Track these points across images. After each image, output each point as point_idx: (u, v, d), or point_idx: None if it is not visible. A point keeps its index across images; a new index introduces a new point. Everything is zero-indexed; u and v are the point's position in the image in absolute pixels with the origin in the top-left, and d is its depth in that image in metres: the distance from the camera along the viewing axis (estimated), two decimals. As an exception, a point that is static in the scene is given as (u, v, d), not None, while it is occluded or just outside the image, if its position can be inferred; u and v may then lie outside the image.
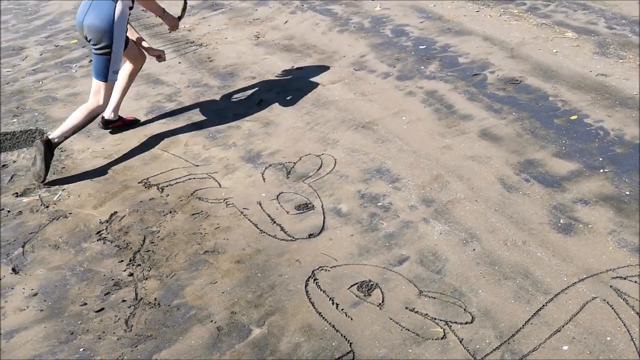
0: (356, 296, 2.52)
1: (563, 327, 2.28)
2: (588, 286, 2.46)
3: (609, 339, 2.22)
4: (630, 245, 2.66)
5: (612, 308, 2.34)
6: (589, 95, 3.89)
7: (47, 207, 3.34)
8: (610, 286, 2.45)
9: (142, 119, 4.21)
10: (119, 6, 3.52)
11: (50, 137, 3.60)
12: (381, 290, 2.55)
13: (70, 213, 3.27)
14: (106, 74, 3.62)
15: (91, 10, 3.54)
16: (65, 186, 3.52)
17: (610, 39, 4.65)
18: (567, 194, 3.03)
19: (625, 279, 2.48)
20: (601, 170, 3.18)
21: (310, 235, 2.92)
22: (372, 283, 2.59)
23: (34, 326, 2.51)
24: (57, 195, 3.44)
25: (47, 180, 3.53)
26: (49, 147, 3.54)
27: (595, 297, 2.40)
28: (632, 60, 4.29)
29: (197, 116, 4.19)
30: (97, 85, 3.65)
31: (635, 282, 2.46)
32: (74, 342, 2.40)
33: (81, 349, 2.36)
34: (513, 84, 4.15)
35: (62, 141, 3.67)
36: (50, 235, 3.11)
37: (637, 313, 2.31)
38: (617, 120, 3.59)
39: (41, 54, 5.68)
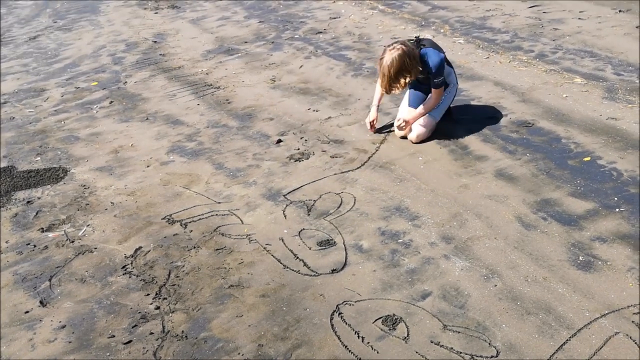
0: (381, 330, 2.56)
1: (588, 361, 2.32)
2: (610, 321, 2.50)
3: (634, 373, 2.24)
4: (649, 282, 2.70)
5: (636, 343, 2.37)
6: (600, 137, 4.00)
7: (73, 242, 3.42)
8: (632, 321, 2.49)
9: (164, 158, 4.32)
10: None
11: None
12: (406, 324, 2.58)
13: (96, 248, 3.34)
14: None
15: None
16: (90, 222, 3.60)
17: (618, 85, 4.78)
18: (584, 232, 3.09)
19: (646, 314, 2.52)
20: (617, 210, 3.25)
21: (334, 271, 2.98)
22: (396, 317, 2.63)
23: (62, 357, 2.55)
24: (82, 231, 3.51)
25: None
26: None
27: (618, 332, 2.44)
28: (640, 104, 4.42)
29: (217, 155, 4.30)
30: None
31: (657, 318, 2.49)
32: (104, 373, 2.43)
33: (112, 380, 2.40)
34: (526, 126, 4.26)
35: None
36: (77, 269, 3.17)
37: (660, 348, 2.34)
38: (630, 162, 3.68)
39: (62, 95, 5.86)
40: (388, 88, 4.07)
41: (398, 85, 4.04)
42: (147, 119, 5.06)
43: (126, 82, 6.05)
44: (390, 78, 3.99)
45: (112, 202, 3.79)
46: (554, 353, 2.37)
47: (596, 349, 2.37)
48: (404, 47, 3.95)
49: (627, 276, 2.76)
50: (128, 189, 3.95)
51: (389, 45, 4.03)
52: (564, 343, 2.41)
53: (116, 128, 4.94)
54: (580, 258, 2.91)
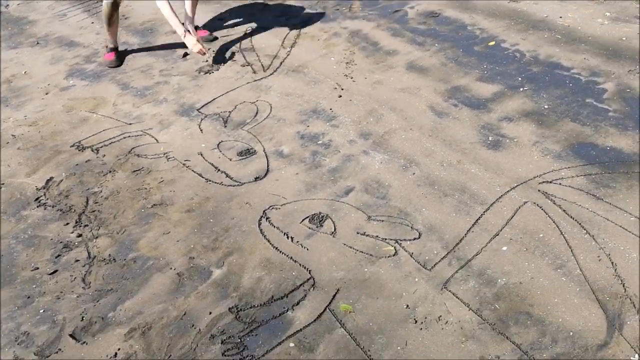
0: (309, 228, 2.62)
1: (500, 231, 2.49)
2: (519, 193, 2.68)
3: (541, 235, 2.44)
4: (552, 153, 2.89)
5: (542, 209, 2.57)
6: (503, 21, 4.09)
7: (-24, 181, 3.20)
8: (539, 190, 2.68)
9: (63, 83, 4.05)
10: None
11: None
12: (332, 220, 2.65)
13: (3, 184, 3.15)
14: None
15: None
16: (-8, 158, 3.37)
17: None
18: (492, 114, 3.23)
19: (550, 182, 2.71)
20: (521, 89, 3.40)
21: (257, 179, 2.97)
22: (322, 215, 2.69)
23: (-15, 297, 2.45)
24: (-16, 169, 3.29)
25: None
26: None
27: (526, 202, 2.62)
28: (539, -14, 4.53)
29: (121, 75, 4.07)
30: None
31: (560, 184, 2.69)
32: (32, 305, 2.37)
33: (41, 310, 2.34)
34: (433, 17, 4.28)
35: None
36: (-15, 208, 2.99)
37: (563, 210, 2.55)
38: (531, 42, 3.81)
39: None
40: None
41: None
42: (37, 43, 4.67)
43: (7, 5, 5.50)
44: None
45: (13, 135, 3.54)
46: (470, 227, 2.53)
47: (508, 219, 2.55)
48: None
49: (532, 150, 2.93)
50: (28, 119, 3.70)
51: None
52: (479, 217, 2.57)
53: (5, 56, 4.54)
54: (490, 138, 3.05)
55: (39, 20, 5.09)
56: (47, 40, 4.69)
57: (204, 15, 4.75)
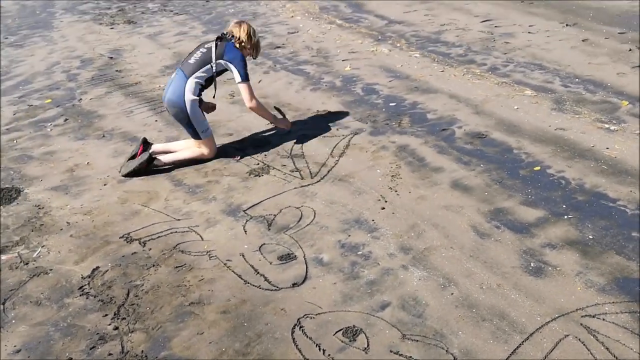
0: (342, 342, 2.60)
1: (540, 364, 2.40)
2: (560, 325, 2.60)
3: (583, 374, 2.34)
4: (596, 286, 2.82)
5: (584, 344, 2.47)
6: (549, 147, 4.15)
7: (27, 264, 3.35)
8: (581, 324, 2.59)
9: (121, 177, 4.28)
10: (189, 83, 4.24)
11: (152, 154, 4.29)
12: (366, 335, 2.63)
13: (51, 269, 3.28)
14: (198, 134, 4.32)
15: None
16: (45, 243, 3.53)
17: (565, 96, 4.99)
18: (535, 239, 3.21)
19: (593, 317, 2.62)
20: (565, 217, 3.38)
21: (294, 285, 3.00)
22: (356, 329, 2.66)
23: (18, 382, 2.49)
24: (37, 252, 3.45)
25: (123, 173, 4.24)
26: (150, 161, 4.27)
27: (568, 335, 2.53)
28: (586, 115, 4.61)
29: (175, 172, 4.28)
30: (198, 142, 4.36)
31: (603, 319, 2.60)
32: (61, 397, 2.39)
33: (69, 403, 2.36)
34: (479, 138, 4.40)
35: (162, 165, 4.32)
36: (31, 291, 3.11)
37: (606, 348, 2.44)
38: (577, 171, 3.83)
39: (14, 114, 5.73)
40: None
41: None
42: (103, 136, 5.00)
43: (81, 99, 5.96)
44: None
45: (67, 222, 3.73)
46: (508, 357, 2.45)
47: (547, 352, 2.46)
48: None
49: (575, 280, 2.87)
50: (84, 208, 3.90)
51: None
52: (517, 347, 2.50)
53: (71, 146, 4.87)
54: (532, 264, 3.01)
55: (107, 115, 5.48)
56: (112, 134, 5.01)
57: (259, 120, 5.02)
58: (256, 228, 3.52)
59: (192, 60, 4.30)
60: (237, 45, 4.34)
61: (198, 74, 4.24)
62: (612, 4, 7.60)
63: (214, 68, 4.26)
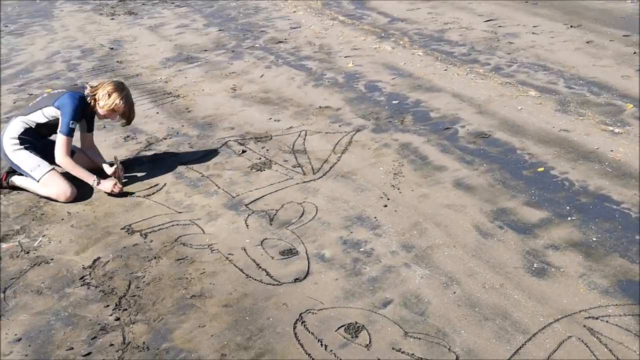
0: (344, 338, 2.59)
1: (543, 365, 2.40)
2: (563, 326, 2.59)
3: (586, 375, 2.34)
4: (599, 288, 2.82)
5: (587, 346, 2.47)
6: (553, 149, 4.15)
7: (28, 252, 3.33)
8: (584, 326, 2.59)
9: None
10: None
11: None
12: (368, 331, 2.62)
13: (52, 259, 3.26)
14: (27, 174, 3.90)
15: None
16: (46, 232, 3.51)
17: (569, 98, 4.99)
18: (538, 240, 3.21)
19: (597, 319, 2.62)
20: (569, 218, 3.38)
21: (296, 280, 2.99)
22: (358, 325, 2.66)
23: (18, 372, 2.48)
24: (38, 242, 3.43)
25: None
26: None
27: (571, 336, 2.53)
28: (591, 117, 4.61)
29: (177, 164, 4.26)
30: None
31: (607, 321, 2.60)
32: (62, 387, 2.38)
33: (70, 393, 2.34)
34: (483, 137, 4.39)
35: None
36: (32, 280, 3.09)
37: (609, 350, 2.44)
38: (581, 172, 3.83)
39: (14, 102, 5.69)
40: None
41: None
42: (104, 127, 4.97)
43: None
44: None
45: (68, 212, 3.71)
46: (510, 357, 2.45)
47: (550, 353, 2.46)
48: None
49: (578, 282, 2.87)
50: (85, 198, 3.87)
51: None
52: (520, 347, 2.49)
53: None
54: (535, 265, 3.01)
55: (109, 105, 5.44)
56: (114, 125, 4.98)
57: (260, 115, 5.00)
58: (258, 223, 3.50)
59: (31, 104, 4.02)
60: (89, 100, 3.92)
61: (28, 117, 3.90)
62: (617, 6, 7.61)
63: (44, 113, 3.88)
